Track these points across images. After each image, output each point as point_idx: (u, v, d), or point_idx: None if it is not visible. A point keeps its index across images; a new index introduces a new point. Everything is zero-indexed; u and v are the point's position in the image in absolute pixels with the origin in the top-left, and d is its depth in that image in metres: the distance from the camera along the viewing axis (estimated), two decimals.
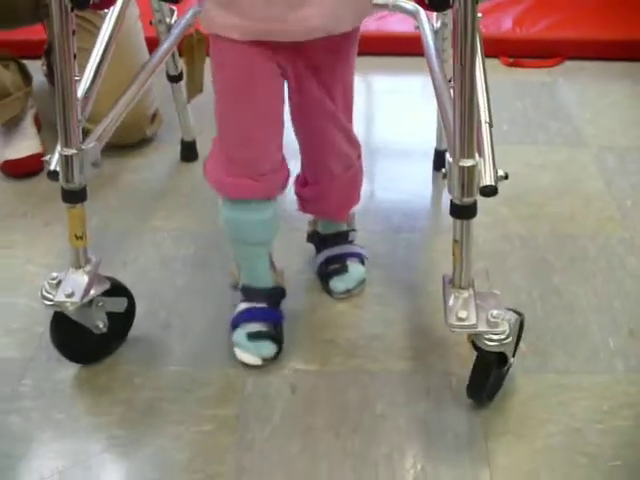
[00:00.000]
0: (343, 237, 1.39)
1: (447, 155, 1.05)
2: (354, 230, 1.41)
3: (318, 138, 1.23)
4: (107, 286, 1.19)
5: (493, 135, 1.10)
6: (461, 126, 1.00)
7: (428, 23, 1.42)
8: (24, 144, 1.75)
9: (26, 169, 1.73)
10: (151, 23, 1.56)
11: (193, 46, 1.60)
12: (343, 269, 1.36)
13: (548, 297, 1.38)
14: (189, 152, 1.80)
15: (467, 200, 1.05)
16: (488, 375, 1.12)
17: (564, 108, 2.00)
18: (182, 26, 1.49)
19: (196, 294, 1.41)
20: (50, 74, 1.97)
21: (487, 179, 1.05)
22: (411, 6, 1.49)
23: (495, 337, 1.07)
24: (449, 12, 1.32)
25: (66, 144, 1.11)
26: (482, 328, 1.07)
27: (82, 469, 1.10)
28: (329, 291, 1.37)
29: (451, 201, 1.06)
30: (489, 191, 1.05)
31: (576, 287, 1.42)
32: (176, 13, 1.55)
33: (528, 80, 2.01)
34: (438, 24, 1.43)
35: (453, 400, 1.21)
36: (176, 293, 1.41)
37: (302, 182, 1.32)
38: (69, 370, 1.25)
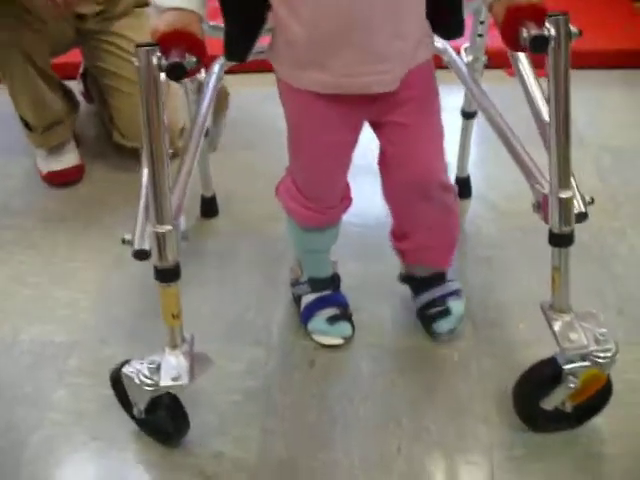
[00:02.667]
0: (442, 277, 1.38)
1: (537, 187, 1.11)
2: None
3: (423, 161, 1.22)
4: (211, 363, 1.16)
5: None
6: (558, 160, 1.05)
7: (459, 58, 1.47)
8: (66, 157, 1.89)
9: (67, 179, 1.88)
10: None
11: (222, 100, 1.64)
12: (446, 311, 1.36)
13: (544, 281, 1.48)
14: (209, 208, 1.76)
15: (566, 229, 1.10)
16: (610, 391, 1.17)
17: None
18: (215, 82, 1.45)
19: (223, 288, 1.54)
20: (87, 93, 2.12)
21: (577, 206, 1.10)
22: (439, 43, 1.48)
23: (604, 354, 1.10)
24: (482, 48, 1.48)
25: (160, 221, 1.04)
26: (592, 347, 1.10)
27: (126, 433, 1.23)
28: (432, 333, 1.37)
29: (550, 231, 1.11)
30: (582, 217, 1.11)
31: (572, 275, 1.53)
32: (203, 70, 1.46)
33: None
34: (469, 58, 1.49)
35: (455, 371, 1.33)
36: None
37: (398, 236, 1.33)
38: (111, 350, 1.38)
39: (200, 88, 1.47)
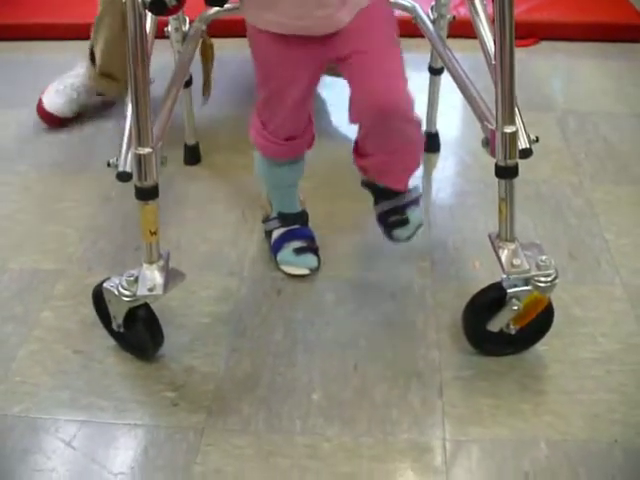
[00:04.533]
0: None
1: (486, 124, 1.19)
2: None
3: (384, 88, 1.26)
4: (183, 278, 1.26)
5: None
6: (503, 97, 1.14)
7: (425, 15, 1.58)
8: None
9: None
10: (165, 31, 1.59)
11: (207, 51, 1.74)
12: (404, 221, 1.41)
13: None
14: (192, 156, 1.84)
15: (510, 162, 1.18)
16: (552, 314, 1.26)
17: (536, 81, 2.22)
18: (198, 34, 1.59)
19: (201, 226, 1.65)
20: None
21: (522, 143, 1.19)
22: (408, 3, 1.62)
23: (546, 278, 1.19)
24: (447, 5, 1.57)
25: (141, 143, 1.14)
26: (534, 272, 1.19)
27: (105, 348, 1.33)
28: (391, 238, 1.43)
29: (496, 164, 1.19)
30: (526, 153, 1.19)
31: (527, 220, 1.63)
32: (188, 20, 1.60)
33: None
34: (435, 15, 1.59)
35: (413, 303, 1.44)
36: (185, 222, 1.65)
37: (360, 154, 1.37)
38: (96, 278, 1.48)
39: (184, 39, 1.60)
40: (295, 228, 1.50)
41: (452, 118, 1.98)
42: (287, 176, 1.44)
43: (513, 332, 1.27)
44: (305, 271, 1.48)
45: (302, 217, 1.51)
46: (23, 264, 1.55)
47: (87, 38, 2.14)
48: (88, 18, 2.17)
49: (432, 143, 1.85)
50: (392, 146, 1.32)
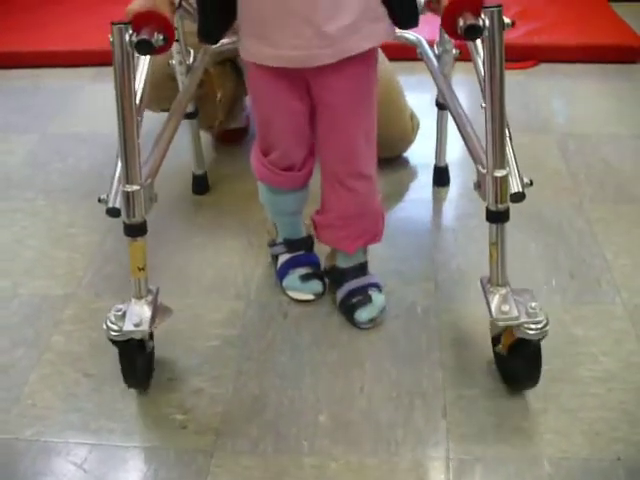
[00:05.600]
0: (362, 269, 1.46)
1: (478, 167, 1.18)
2: (367, 260, 1.49)
3: (343, 146, 1.31)
4: (171, 313, 1.28)
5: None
6: (493, 141, 1.13)
7: (430, 50, 1.57)
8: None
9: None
10: (169, 64, 1.60)
11: (213, 85, 1.82)
12: (367, 300, 1.42)
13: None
14: (200, 185, 1.87)
15: (501, 206, 1.17)
16: (540, 359, 1.23)
17: (535, 103, 2.26)
18: (202, 66, 1.62)
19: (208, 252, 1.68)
20: None
21: (515, 187, 1.17)
22: (413, 36, 1.63)
23: (535, 326, 1.18)
24: (450, 41, 1.53)
25: (128, 181, 1.16)
26: (524, 319, 1.18)
27: (116, 371, 1.33)
28: (354, 322, 1.43)
29: (487, 208, 1.18)
30: (518, 197, 1.17)
31: (529, 241, 1.66)
32: (193, 54, 1.63)
33: (506, 80, 2.26)
34: (439, 50, 1.56)
35: (417, 324, 1.46)
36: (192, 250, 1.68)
37: (318, 209, 1.43)
38: (104, 303, 1.52)
39: (188, 71, 1.62)
40: (300, 254, 1.52)
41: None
42: (290, 204, 1.46)
43: (503, 352, 1.28)
44: (310, 297, 1.49)
45: (307, 242, 1.53)
46: (33, 289, 1.58)
47: (95, 64, 2.19)
48: (95, 45, 2.22)
49: (441, 177, 1.86)
50: (343, 204, 1.36)
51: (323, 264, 1.53)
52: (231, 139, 2.05)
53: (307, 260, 1.52)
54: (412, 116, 1.96)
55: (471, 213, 1.75)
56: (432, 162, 1.86)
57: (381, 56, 1.80)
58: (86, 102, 2.36)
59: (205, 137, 1.89)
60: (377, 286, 1.46)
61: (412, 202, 1.85)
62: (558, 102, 2.30)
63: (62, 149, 2.10)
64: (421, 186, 1.89)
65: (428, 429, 1.25)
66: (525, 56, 2.44)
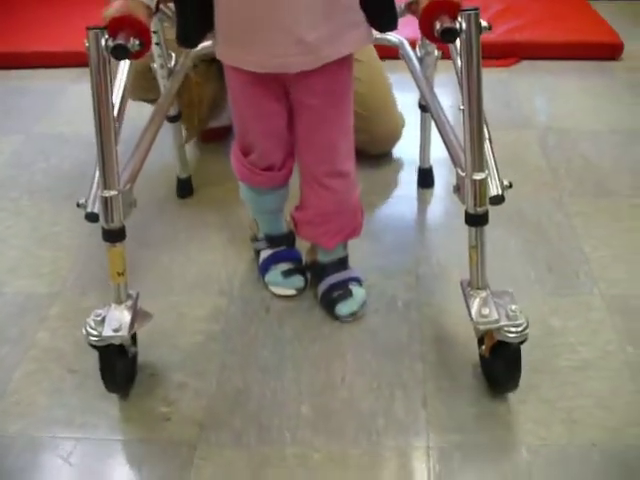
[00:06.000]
0: (343, 263, 1.48)
1: (458, 170, 1.18)
2: (347, 254, 1.50)
3: (321, 147, 1.33)
4: (150, 318, 1.28)
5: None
6: (471, 144, 1.12)
7: (412, 52, 1.57)
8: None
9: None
10: (150, 69, 1.61)
11: (191, 88, 1.84)
12: (347, 294, 1.44)
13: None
14: (184, 189, 1.86)
15: (480, 210, 1.16)
16: (519, 361, 1.22)
17: (516, 100, 2.28)
18: (183, 70, 1.63)
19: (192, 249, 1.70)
20: None
21: (494, 190, 1.17)
22: (395, 38, 1.62)
23: (515, 329, 1.18)
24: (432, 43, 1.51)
25: (106, 186, 1.16)
26: (503, 322, 1.18)
27: (96, 368, 1.33)
28: (335, 316, 1.45)
29: (466, 211, 1.18)
30: (498, 200, 1.17)
31: (509, 236, 1.68)
32: (174, 57, 1.63)
33: (487, 77, 2.27)
34: (422, 52, 1.56)
35: (398, 317, 1.48)
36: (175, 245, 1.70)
37: (297, 205, 1.44)
38: (89, 301, 1.53)
39: (170, 75, 1.63)
40: (282, 250, 1.53)
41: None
42: (270, 203, 1.48)
43: (486, 354, 1.28)
44: (292, 292, 1.51)
45: (289, 238, 1.55)
46: (18, 288, 1.60)
47: (77, 65, 2.19)
48: (77, 46, 2.22)
49: (425, 179, 1.86)
50: (323, 201, 1.37)
51: (304, 259, 1.55)
52: (215, 137, 2.07)
53: (289, 256, 1.53)
54: (400, 116, 1.98)
55: (454, 211, 1.76)
56: (416, 159, 1.88)
57: (373, 53, 1.84)
58: (69, 103, 2.36)
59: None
60: (357, 280, 1.48)
61: (396, 199, 1.87)
62: (539, 99, 2.32)
63: (46, 149, 2.11)
64: (406, 183, 1.91)
65: (409, 419, 1.27)
66: (507, 53, 2.46)
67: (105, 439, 1.26)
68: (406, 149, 1.99)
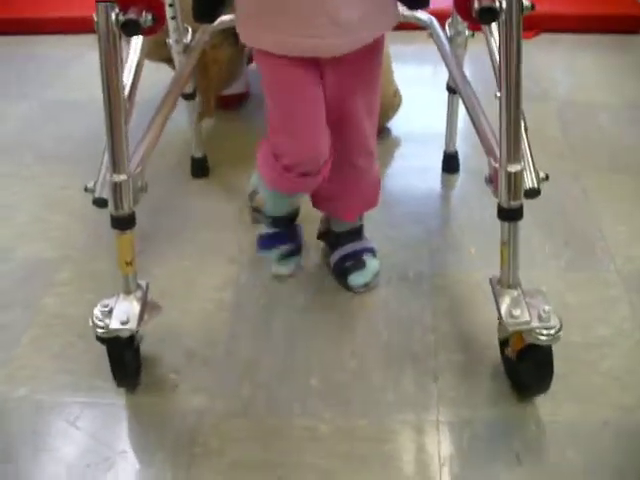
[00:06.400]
0: (357, 233, 1.44)
1: (491, 161, 1.10)
2: (362, 224, 1.47)
3: (351, 130, 1.29)
4: (160, 310, 1.22)
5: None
6: (508, 134, 1.05)
7: (442, 32, 1.49)
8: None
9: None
10: (166, 44, 1.56)
11: (208, 66, 1.81)
12: (361, 264, 1.41)
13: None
14: (200, 169, 1.82)
15: (515, 204, 1.09)
16: (552, 364, 1.15)
17: (536, 72, 2.24)
18: (200, 46, 1.56)
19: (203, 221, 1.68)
20: None
21: (530, 182, 1.10)
22: (425, 16, 1.55)
23: (547, 331, 1.11)
24: (463, 22, 1.46)
25: (116, 170, 1.10)
26: (535, 324, 1.11)
27: None
28: (348, 286, 1.42)
29: (498, 205, 1.10)
30: (534, 193, 1.10)
31: (525, 209, 1.66)
32: (190, 33, 1.58)
33: None
34: (452, 32, 1.50)
35: (409, 288, 1.46)
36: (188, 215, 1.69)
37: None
38: (99, 264, 1.52)
39: (186, 51, 1.57)
40: (284, 232, 1.44)
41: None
42: (291, 205, 1.41)
43: (513, 357, 1.23)
44: (286, 272, 1.46)
45: (292, 216, 1.45)
46: (27, 252, 1.59)
47: (88, 32, 2.17)
48: (89, 11, 2.20)
49: (450, 163, 1.79)
50: (347, 177, 1.34)
51: (318, 228, 1.52)
52: (231, 104, 2.04)
53: (290, 237, 1.46)
54: (396, 93, 1.94)
55: (468, 183, 1.75)
56: (425, 131, 1.86)
57: None
58: (85, 69, 2.34)
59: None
60: (372, 251, 1.45)
61: (409, 170, 1.85)
62: (558, 72, 2.29)
63: (58, 115, 2.10)
64: (418, 156, 1.90)
65: (418, 392, 1.26)
66: (526, 26, 2.40)
67: (112, 404, 1.25)
68: (421, 122, 1.98)
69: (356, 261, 1.42)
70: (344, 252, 1.44)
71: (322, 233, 1.49)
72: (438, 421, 1.21)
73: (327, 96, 1.24)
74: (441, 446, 1.17)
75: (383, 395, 1.25)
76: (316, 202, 1.43)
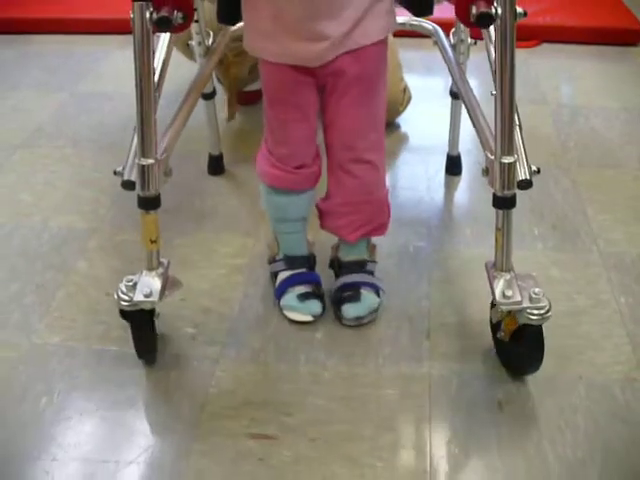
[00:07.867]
0: (361, 265, 1.43)
1: (487, 153, 1.18)
2: (374, 262, 1.47)
3: (347, 134, 1.31)
4: (181, 285, 1.31)
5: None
6: (502, 128, 1.13)
7: (446, 39, 1.58)
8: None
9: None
10: (188, 45, 1.64)
11: (230, 66, 1.92)
12: (356, 297, 1.39)
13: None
14: (216, 166, 1.89)
15: (508, 192, 1.17)
16: (542, 344, 1.23)
17: (535, 79, 2.39)
18: (220, 48, 1.63)
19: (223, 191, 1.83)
20: None
21: (522, 174, 1.18)
22: (429, 25, 1.64)
23: (538, 311, 1.19)
24: (465, 30, 1.57)
25: (144, 154, 1.18)
26: (526, 304, 1.19)
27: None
28: (340, 317, 1.41)
29: (493, 194, 1.18)
30: (525, 184, 1.18)
31: (517, 198, 1.79)
32: (212, 35, 1.65)
33: None
34: (455, 39, 1.58)
35: (409, 261, 1.61)
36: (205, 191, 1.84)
37: (324, 195, 1.40)
38: (125, 236, 1.67)
39: (207, 52, 1.67)
40: (301, 272, 1.45)
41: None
42: (295, 209, 1.41)
43: (505, 339, 1.31)
44: (309, 318, 1.42)
45: (309, 261, 1.47)
46: (61, 223, 1.74)
47: (122, 32, 2.34)
48: (122, 13, 2.36)
49: (453, 166, 1.88)
50: (349, 189, 1.35)
51: (329, 255, 1.51)
52: (251, 100, 2.18)
53: (307, 278, 1.45)
54: (405, 89, 2.09)
55: (464, 168, 1.90)
56: (433, 126, 1.99)
57: None
58: (114, 66, 2.52)
59: (222, 118, 2.00)
60: (373, 287, 1.43)
61: (411, 157, 1.99)
62: (557, 79, 2.42)
63: (89, 105, 2.27)
64: (424, 148, 2.04)
65: (413, 347, 1.39)
66: (529, 36, 2.57)
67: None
68: (428, 115, 2.12)
69: (353, 292, 1.41)
70: (343, 282, 1.43)
71: (331, 261, 1.48)
72: (430, 373, 1.34)
73: (324, 93, 1.29)
74: (432, 392, 1.30)
75: (381, 348, 1.39)
76: (322, 220, 1.43)
